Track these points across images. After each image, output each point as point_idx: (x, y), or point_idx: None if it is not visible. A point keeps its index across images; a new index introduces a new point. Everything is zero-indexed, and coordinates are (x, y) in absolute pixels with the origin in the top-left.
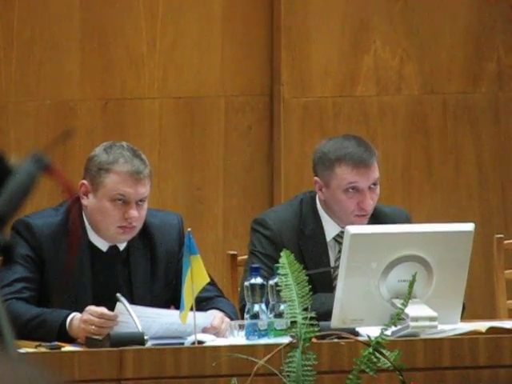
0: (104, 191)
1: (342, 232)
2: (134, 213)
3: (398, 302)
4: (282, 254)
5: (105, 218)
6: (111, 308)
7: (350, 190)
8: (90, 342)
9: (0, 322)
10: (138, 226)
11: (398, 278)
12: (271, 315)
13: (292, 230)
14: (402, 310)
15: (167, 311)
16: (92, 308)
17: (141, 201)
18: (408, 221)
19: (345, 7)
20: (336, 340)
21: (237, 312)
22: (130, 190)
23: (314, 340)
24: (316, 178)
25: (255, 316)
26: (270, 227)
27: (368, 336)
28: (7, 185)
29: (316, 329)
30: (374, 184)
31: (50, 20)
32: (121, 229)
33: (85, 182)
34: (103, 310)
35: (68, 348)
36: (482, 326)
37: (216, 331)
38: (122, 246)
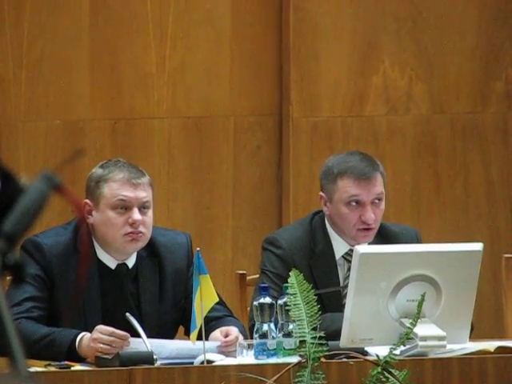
0: (104, 201)
1: (351, 250)
2: (137, 216)
3: (407, 322)
4: (291, 273)
5: (110, 228)
6: (120, 326)
7: (353, 204)
8: (99, 361)
9: (10, 341)
10: (146, 232)
11: (407, 297)
12: (280, 335)
13: (303, 249)
14: (411, 329)
15: (175, 340)
16: (102, 327)
17: (144, 208)
18: (418, 239)
19: (353, 27)
20: (345, 359)
21: (246, 331)
22: (130, 194)
23: (322, 359)
24: (321, 193)
25: (264, 335)
26: (281, 246)
27: (377, 355)
28: (17, 204)
29: (325, 348)
30: (378, 199)
31: (60, 40)
32: (128, 236)
33: (87, 200)
34: (113, 329)
35: (77, 367)
36: (490, 345)
37: (235, 341)
38: (130, 264)
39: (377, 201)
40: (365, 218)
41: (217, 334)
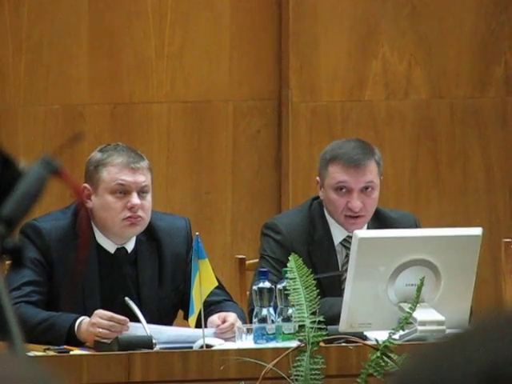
0: (103, 185)
1: (349, 237)
2: (135, 200)
3: (406, 306)
4: (290, 257)
5: (109, 212)
6: (119, 310)
7: (340, 190)
8: (98, 345)
9: (9, 325)
10: (144, 217)
11: (406, 282)
12: (279, 319)
13: (302, 234)
14: (410, 314)
15: (174, 327)
16: (101, 311)
17: (143, 192)
18: (416, 225)
19: (353, 12)
20: (344, 344)
21: (245, 316)
22: (129, 178)
23: (322, 344)
24: (317, 177)
25: (263, 320)
26: (280, 232)
27: (376, 340)
28: (16, 188)
29: (324, 333)
30: (368, 188)
31: (59, 25)
32: (127, 220)
33: (85, 184)
34: (112, 313)
35: (76, 351)
36: None
37: (231, 328)
38: (129, 248)
39: (367, 189)
40: (351, 205)
41: (214, 318)
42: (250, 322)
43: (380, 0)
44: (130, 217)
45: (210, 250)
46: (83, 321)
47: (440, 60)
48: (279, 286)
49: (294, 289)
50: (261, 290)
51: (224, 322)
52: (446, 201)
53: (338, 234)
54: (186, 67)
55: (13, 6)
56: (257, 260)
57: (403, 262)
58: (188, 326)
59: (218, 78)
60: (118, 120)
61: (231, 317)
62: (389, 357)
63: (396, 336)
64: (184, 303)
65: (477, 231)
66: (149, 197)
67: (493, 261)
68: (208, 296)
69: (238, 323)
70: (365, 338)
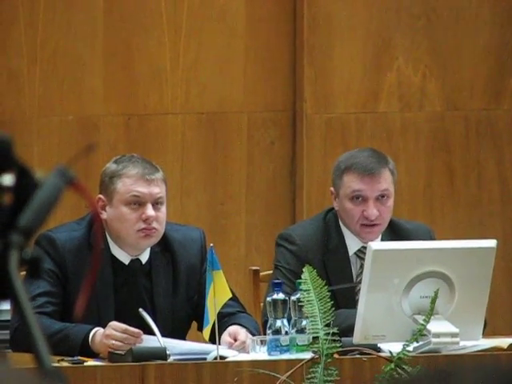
0: (118, 196)
1: (363, 247)
2: (150, 212)
3: (420, 318)
4: (304, 269)
5: (123, 223)
6: (133, 321)
7: (356, 199)
8: (112, 356)
9: (35, 337)
10: (159, 228)
11: (420, 294)
12: (293, 331)
13: (317, 245)
14: (424, 326)
15: (188, 342)
16: (115, 323)
17: (157, 203)
18: (430, 236)
19: (368, 24)
20: (358, 356)
21: (259, 327)
22: (143, 189)
23: (335, 356)
24: (331, 188)
25: (277, 331)
26: (295, 242)
27: (390, 352)
28: (33, 198)
29: (338, 344)
30: (383, 196)
31: (74, 36)
32: (141, 232)
33: (100, 196)
34: (126, 326)
35: (90, 363)
36: (503, 342)
37: (242, 346)
38: (144, 259)
39: (382, 197)
40: (367, 214)
41: (226, 337)
42: (264, 334)
43: (395, 12)
44: (144, 228)
45: (225, 261)
46: (97, 332)
47: (455, 72)
48: (293, 298)
49: (308, 300)
50: (275, 301)
51: (235, 339)
52: (460, 212)
53: (352, 244)
54: (201, 79)
55: (28, 17)
56: (271, 271)
57: (417, 274)
58: (202, 338)
59: (232, 90)
60: (132, 131)
61: (241, 335)
62: (403, 369)
63: (410, 348)
64: (198, 314)
65: (491, 243)
66: (163, 208)
67: (507, 273)
68: (222, 307)
69: (249, 337)
70: (379, 349)
